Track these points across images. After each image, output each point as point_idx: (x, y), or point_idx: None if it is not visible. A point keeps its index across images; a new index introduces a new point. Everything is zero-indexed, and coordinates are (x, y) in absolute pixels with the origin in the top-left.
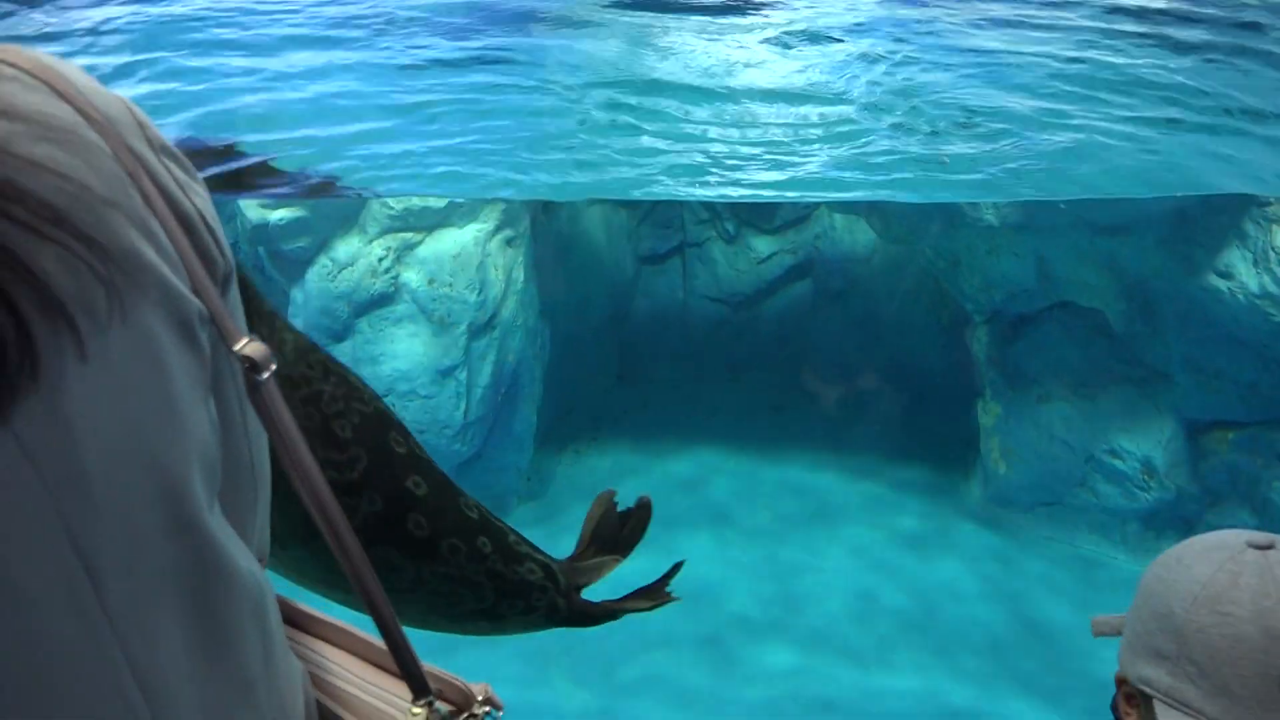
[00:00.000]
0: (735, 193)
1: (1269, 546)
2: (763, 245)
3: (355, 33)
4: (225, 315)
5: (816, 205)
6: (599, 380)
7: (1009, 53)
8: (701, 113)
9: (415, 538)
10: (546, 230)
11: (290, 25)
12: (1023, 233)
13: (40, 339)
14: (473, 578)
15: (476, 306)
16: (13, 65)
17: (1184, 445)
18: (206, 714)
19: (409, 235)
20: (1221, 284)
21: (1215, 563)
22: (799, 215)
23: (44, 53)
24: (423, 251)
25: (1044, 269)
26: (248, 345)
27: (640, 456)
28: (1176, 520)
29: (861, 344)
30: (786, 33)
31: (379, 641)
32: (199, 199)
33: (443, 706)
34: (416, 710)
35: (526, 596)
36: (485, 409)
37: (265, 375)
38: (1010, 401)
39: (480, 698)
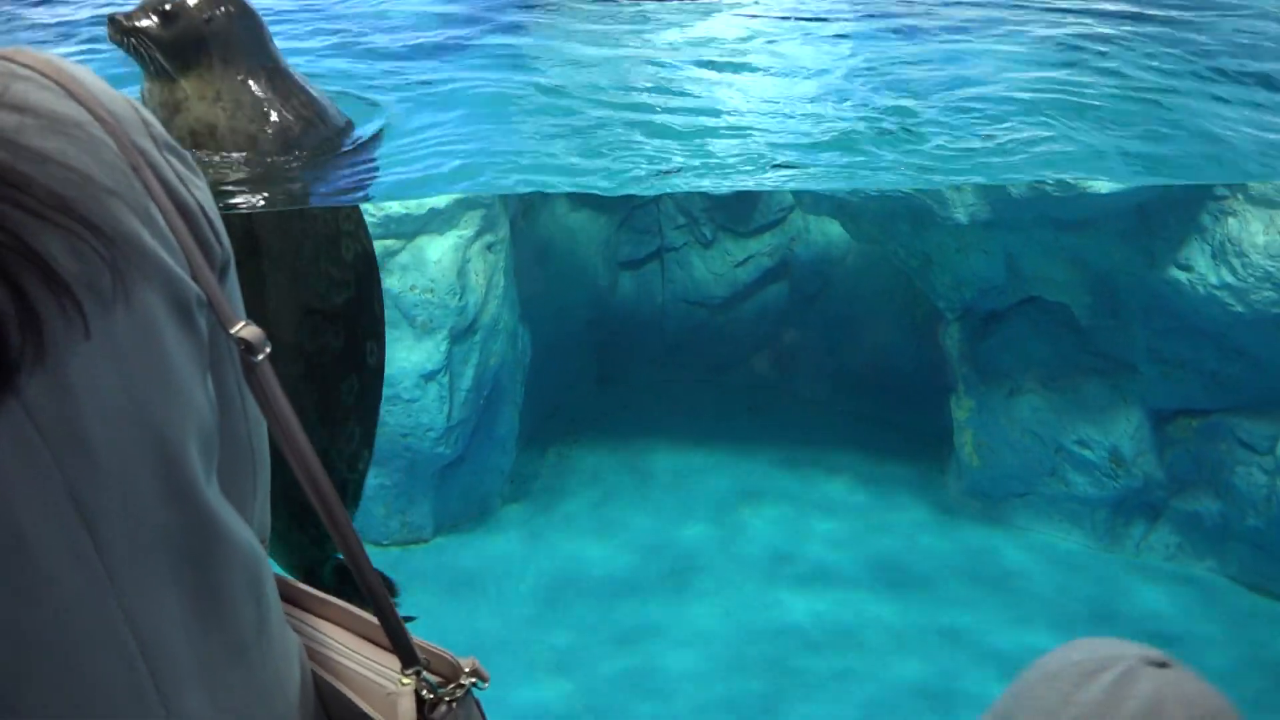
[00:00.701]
0: (719, 185)
1: (1163, 665)
2: (739, 249)
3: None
4: (222, 300)
5: (792, 209)
6: (580, 383)
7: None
8: (683, 103)
9: (340, 401)
10: (526, 236)
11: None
12: (991, 230)
13: (46, 318)
14: (334, 478)
15: (457, 311)
16: (27, 66)
17: (1150, 434)
18: (201, 671)
19: (390, 242)
20: (1182, 276)
21: (1095, 656)
22: (774, 219)
23: (56, 55)
24: (403, 258)
25: (1012, 265)
26: (244, 329)
27: (621, 457)
28: (1144, 506)
29: (837, 344)
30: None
31: (372, 617)
32: (199, 191)
33: (431, 677)
34: (406, 680)
35: (329, 540)
36: (468, 412)
37: (260, 357)
38: (982, 396)
39: (467, 669)
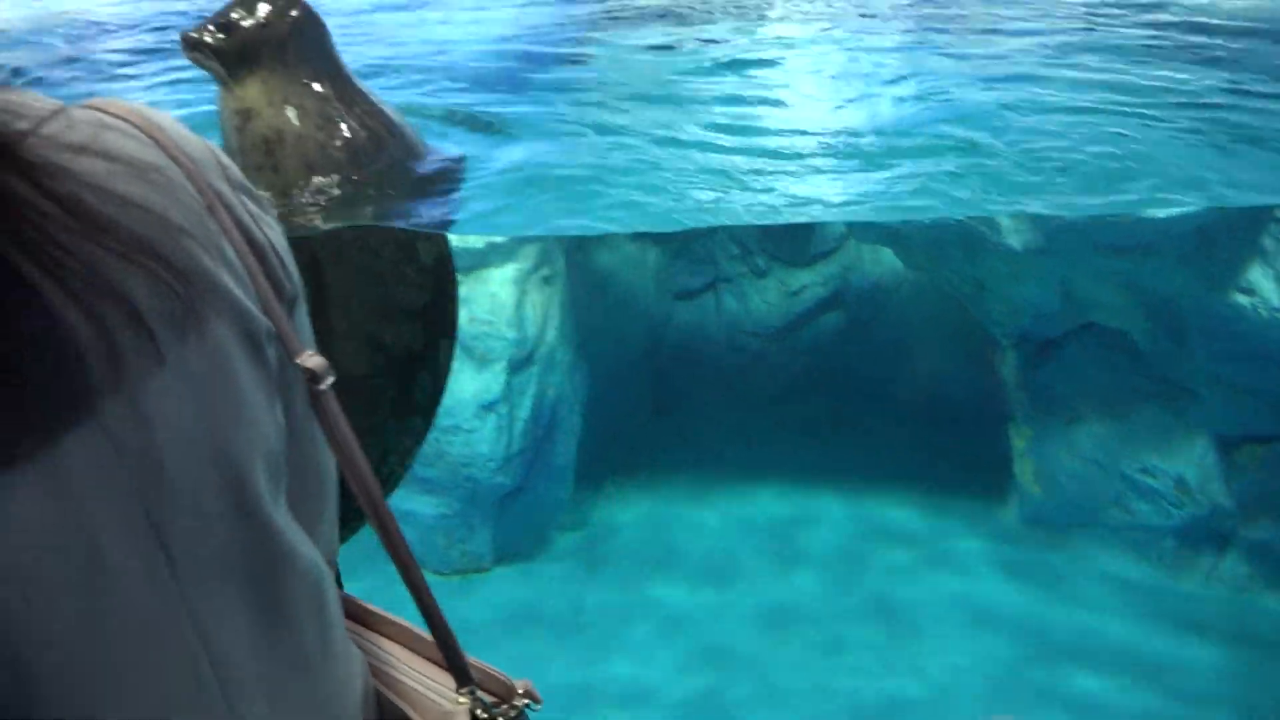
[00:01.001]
0: (772, 218)
1: None
2: (793, 279)
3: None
4: (290, 332)
5: (845, 238)
6: (636, 413)
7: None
8: (732, 137)
9: (413, 396)
10: (582, 268)
11: None
12: (1044, 256)
13: (124, 348)
14: (383, 469)
15: (516, 343)
16: (115, 115)
17: (1216, 461)
18: (266, 685)
19: None
20: (1244, 300)
21: None
22: (828, 248)
23: (142, 104)
24: (463, 290)
25: (1067, 291)
26: (309, 359)
27: (678, 487)
28: (1212, 535)
29: (893, 372)
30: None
31: (429, 635)
32: (270, 230)
33: (485, 696)
34: (461, 699)
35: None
36: (526, 442)
37: (324, 385)
38: (1041, 424)
39: (521, 691)
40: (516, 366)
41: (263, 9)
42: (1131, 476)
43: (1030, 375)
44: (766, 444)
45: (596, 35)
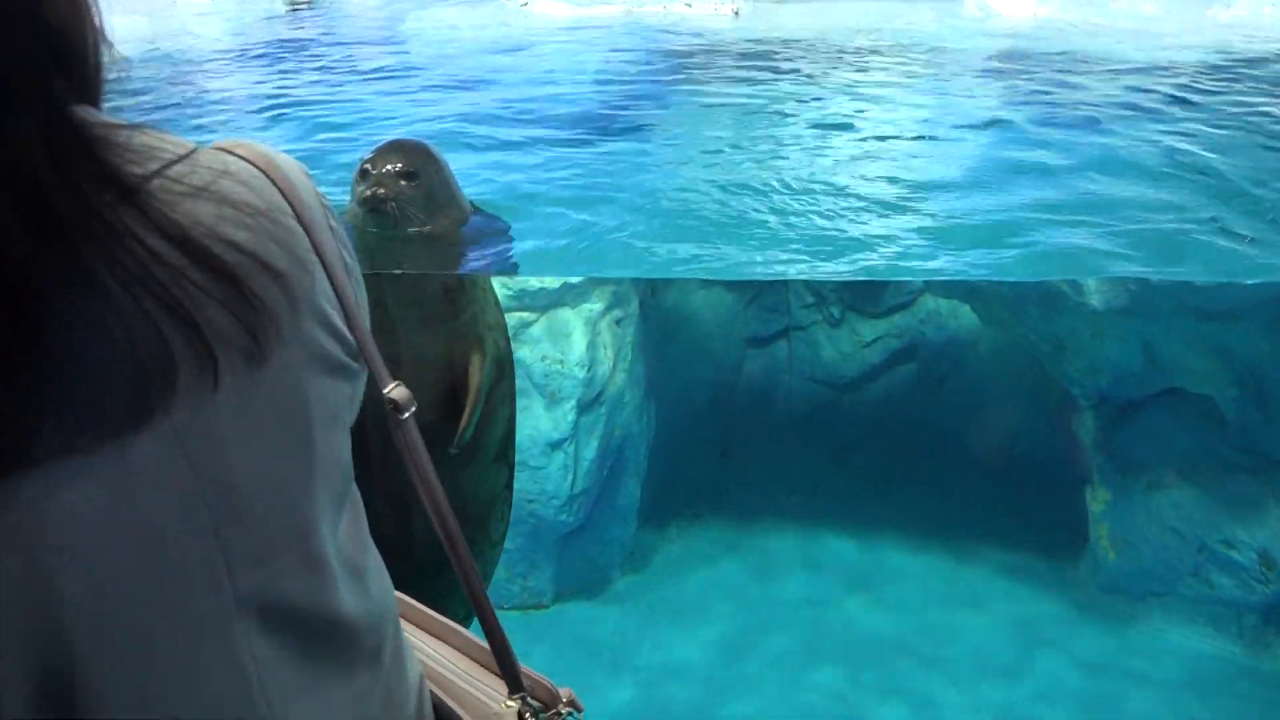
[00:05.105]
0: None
1: None
2: (867, 329)
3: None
4: (379, 364)
5: (922, 290)
6: (703, 458)
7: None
8: (816, 187)
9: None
10: (654, 311)
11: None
12: (1127, 317)
13: (182, 365)
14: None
15: (585, 383)
16: (241, 157)
17: None
18: (309, 690)
19: (524, 314)
20: None
21: None
22: (904, 300)
23: (269, 148)
24: (536, 330)
25: (1150, 353)
26: (394, 390)
27: (742, 534)
28: None
29: (967, 428)
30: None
31: (485, 643)
32: (358, 283)
33: (533, 702)
34: (511, 703)
35: None
36: (591, 481)
37: (406, 415)
38: (1120, 488)
39: (565, 699)
40: (585, 406)
41: (420, 154)
42: (1212, 548)
43: (1109, 437)
44: (834, 494)
45: (682, 83)
